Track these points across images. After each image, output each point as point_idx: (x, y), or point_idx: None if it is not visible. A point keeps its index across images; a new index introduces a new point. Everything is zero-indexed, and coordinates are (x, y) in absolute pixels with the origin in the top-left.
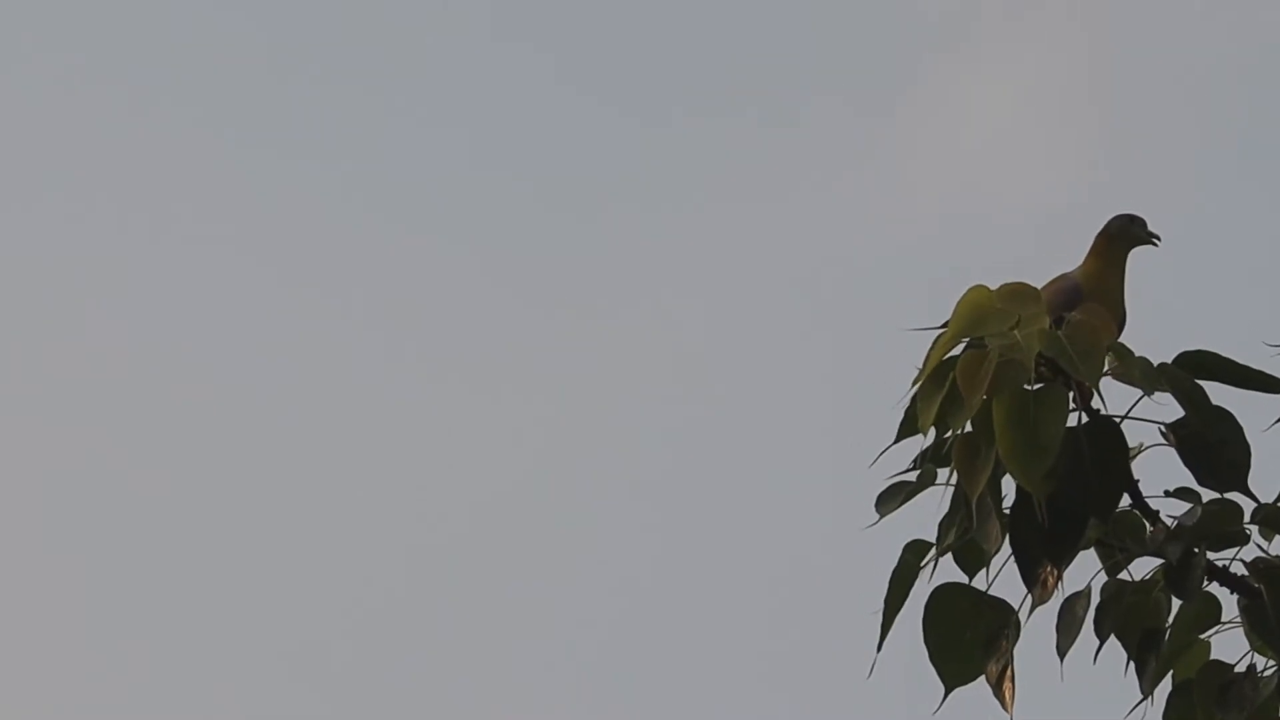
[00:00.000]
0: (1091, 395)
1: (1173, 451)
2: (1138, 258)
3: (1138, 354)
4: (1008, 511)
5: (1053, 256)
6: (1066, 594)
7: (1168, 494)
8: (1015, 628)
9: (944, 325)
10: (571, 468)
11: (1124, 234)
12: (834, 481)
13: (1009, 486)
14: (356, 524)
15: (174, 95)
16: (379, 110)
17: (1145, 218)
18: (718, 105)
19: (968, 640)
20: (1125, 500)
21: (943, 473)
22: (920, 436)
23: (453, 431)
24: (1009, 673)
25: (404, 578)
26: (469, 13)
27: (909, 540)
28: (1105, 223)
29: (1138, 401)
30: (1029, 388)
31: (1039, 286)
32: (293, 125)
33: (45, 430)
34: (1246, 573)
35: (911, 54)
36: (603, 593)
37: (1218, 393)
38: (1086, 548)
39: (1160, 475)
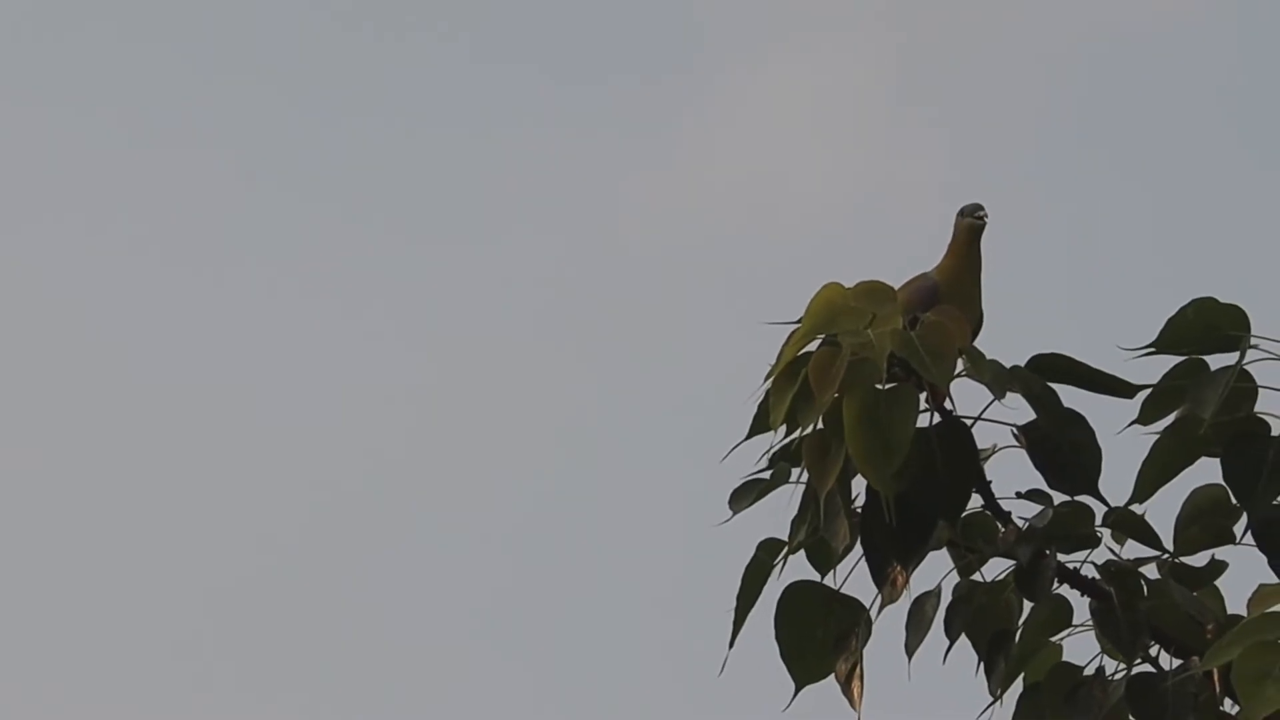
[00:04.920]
0: (944, 396)
1: (1025, 453)
2: (994, 258)
3: (990, 356)
4: (859, 510)
5: (849, 252)
6: (917, 593)
7: (1019, 496)
8: (866, 626)
9: (798, 321)
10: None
11: (963, 228)
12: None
13: (860, 485)
14: (357, 524)
15: (174, 96)
16: (370, 112)
17: (981, 202)
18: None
19: (819, 638)
20: (978, 501)
21: (796, 470)
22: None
23: (452, 430)
24: (858, 671)
25: (404, 578)
26: None
27: (763, 538)
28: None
29: (991, 403)
30: (880, 387)
31: (896, 285)
32: (291, 124)
33: (45, 430)
34: (1097, 575)
35: (713, 47)
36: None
37: (1070, 396)
38: (938, 548)
39: (1013, 477)
